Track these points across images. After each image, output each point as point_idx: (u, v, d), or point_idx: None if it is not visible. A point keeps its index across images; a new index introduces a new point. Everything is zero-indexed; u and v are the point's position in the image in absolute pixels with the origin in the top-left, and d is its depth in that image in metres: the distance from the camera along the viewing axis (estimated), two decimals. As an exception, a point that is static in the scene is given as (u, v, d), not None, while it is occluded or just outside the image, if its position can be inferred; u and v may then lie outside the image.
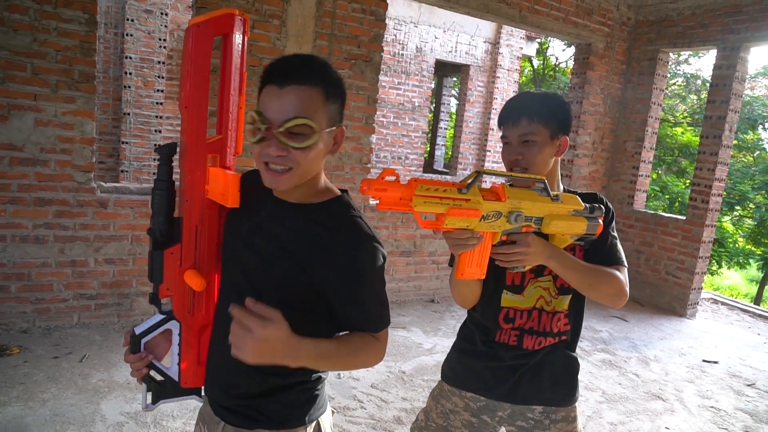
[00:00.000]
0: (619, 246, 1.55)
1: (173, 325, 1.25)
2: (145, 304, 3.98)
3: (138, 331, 1.23)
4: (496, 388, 1.56)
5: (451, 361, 1.68)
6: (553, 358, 1.56)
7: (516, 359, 1.54)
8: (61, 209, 3.60)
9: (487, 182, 7.90)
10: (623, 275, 1.48)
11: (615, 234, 1.56)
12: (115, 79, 6.88)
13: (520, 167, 1.47)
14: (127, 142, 6.85)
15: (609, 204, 1.56)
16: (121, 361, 3.31)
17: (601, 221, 1.44)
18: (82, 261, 3.72)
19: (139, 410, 2.82)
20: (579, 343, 4.38)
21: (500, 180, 5.92)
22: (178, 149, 1.20)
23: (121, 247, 3.83)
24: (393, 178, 1.11)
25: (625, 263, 1.53)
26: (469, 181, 1.22)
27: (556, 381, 1.56)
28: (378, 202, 1.11)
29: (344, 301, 1.19)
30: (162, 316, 1.24)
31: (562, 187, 1.58)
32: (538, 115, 1.44)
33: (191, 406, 2.92)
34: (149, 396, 1.27)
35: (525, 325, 1.53)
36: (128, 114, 6.80)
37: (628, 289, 1.49)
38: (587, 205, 1.42)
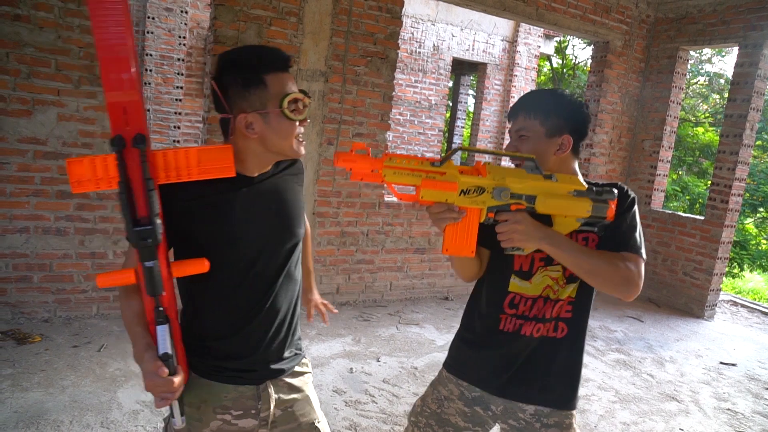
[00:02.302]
0: (638, 235, 1.45)
1: (165, 329, 1.18)
2: (163, 296, 4.05)
3: (165, 350, 1.14)
4: (490, 380, 1.55)
5: (452, 348, 1.70)
6: (552, 357, 1.51)
7: (513, 348, 1.51)
8: (81, 202, 3.68)
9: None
10: (634, 264, 1.39)
11: (636, 223, 1.47)
12: (136, 76, 7.00)
13: (516, 160, 1.46)
14: (147, 138, 6.97)
15: (631, 192, 1.49)
16: (138, 352, 3.37)
17: (612, 204, 1.37)
18: (102, 253, 3.80)
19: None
20: (593, 343, 4.39)
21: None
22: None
23: (139, 240, 3.90)
24: (363, 152, 1.21)
25: (641, 252, 1.43)
26: (446, 156, 1.25)
27: (551, 381, 1.51)
28: (350, 173, 1.21)
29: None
30: (164, 326, 1.16)
31: (584, 183, 1.50)
32: (534, 112, 1.45)
33: (205, 396, 2.97)
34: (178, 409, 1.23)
35: (530, 313, 1.50)
36: (148, 110, 6.92)
37: (640, 280, 1.39)
38: (593, 186, 1.38)
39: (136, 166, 1.08)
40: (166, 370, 1.11)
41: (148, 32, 6.81)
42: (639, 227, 1.48)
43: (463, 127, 10.58)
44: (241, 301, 1.35)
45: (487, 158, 9.16)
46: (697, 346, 4.81)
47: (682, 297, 5.77)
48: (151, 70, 6.90)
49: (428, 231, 5.09)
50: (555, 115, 1.44)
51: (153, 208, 1.10)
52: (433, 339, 4.22)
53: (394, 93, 4.83)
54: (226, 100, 1.27)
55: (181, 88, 7.11)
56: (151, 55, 6.86)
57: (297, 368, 1.49)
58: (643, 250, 1.45)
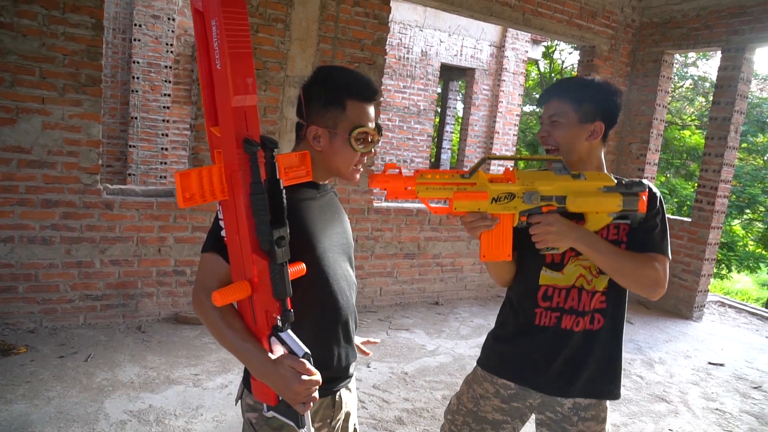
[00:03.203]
0: (665, 236, 1.49)
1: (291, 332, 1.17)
2: (150, 305, 4.02)
3: (304, 350, 1.14)
4: (530, 376, 1.55)
5: (485, 347, 1.71)
6: (590, 349, 1.51)
7: (552, 342, 1.52)
8: (67, 211, 3.65)
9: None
10: (662, 266, 1.44)
11: (666, 225, 1.50)
12: (123, 83, 6.96)
13: (548, 145, 1.51)
14: (134, 146, 6.93)
15: (657, 191, 1.52)
16: (125, 361, 3.34)
17: (642, 196, 1.39)
18: (88, 262, 3.77)
19: (142, 408, 2.85)
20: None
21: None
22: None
23: (126, 248, 3.87)
24: (395, 171, 1.30)
25: (666, 253, 1.47)
26: (475, 167, 1.31)
27: (592, 374, 1.52)
28: (386, 193, 1.29)
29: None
30: (289, 331, 1.16)
31: (607, 174, 1.53)
32: (569, 98, 1.48)
33: (193, 404, 2.94)
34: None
35: (565, 304, 1.50)
36: (135, 118, 6.88)
37: (666, 281, 1.44)
38: (622, 180, 1.39)
39: (263, 167, 1.11)
40: (314, 369, 1.13)
41: (134, 40, 6.78)
42: (668, 228, 1.52)
43: (452, 133, 10.61)
44: (324, 307, 1.37)
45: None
46: (686, 346, 4.84)
47: (670, 299, 5.81)
48: (138, 78, 6.87)
49: (417, 236, 5.09)
50: (588, 100, 1.47)
51: (284, 208, 1.13)
52: (423, 344, 4.21)
53: (382, 99, 4.84)
54: (306, 109, 1.34)
55: (169, 95, 7.07)
56: (138, 62, 6.83)
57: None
58: (669, 251, 1.49)
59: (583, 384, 1.52)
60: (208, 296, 1.15)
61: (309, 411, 1.17)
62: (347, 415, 1.52)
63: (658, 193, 1.51)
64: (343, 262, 1.44)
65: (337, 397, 1.44)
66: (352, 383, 1.55)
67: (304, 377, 1.11)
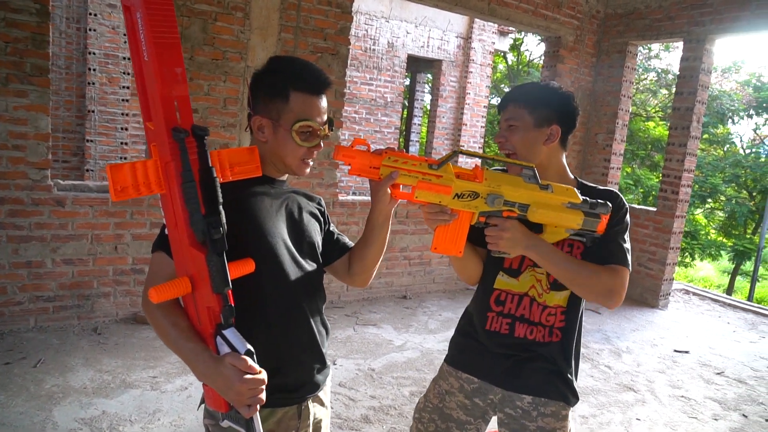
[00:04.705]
0: (627, 247, 1.49)
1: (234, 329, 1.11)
2: (107, 305, 3.85)
3: (247, 347, 1.08)
4: (490, 370, 1.57)
5: (451, 343, 1.72)
6: (547, 357, 1.53)
7: (509, 348, 1.54)
8: (14, 208, 3.45)
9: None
10: (619, 276, 1.44)
11: (626, 238, 1.51)
12: (79, 75, 6.68)
13: (505, 150, 1.51)
14: (91, 140, 6.66)
15: (624, 203, 1.52)
16: (78, 365, 3.18)
17: (604, 219, 1.38)
18: (39, 262, 3.58)
19: (94, 415, 2.70)
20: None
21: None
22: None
23: (80, 246, 3.69)
24: (364, 147, 1.25)
25: (627, 264, 1.47)
26: (444, 159, 1.28)
27: (548, 376, 1.54)
28: (349, 168, 1.24)
29: (331, 238, 1.52)
30: (231, 327, 1.10)
31: (572, 177, 1.56)
32: (524, 103, 1.48)
33: (150, 409, 2.81)
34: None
35: (516, 311, 1.53)
36: (93, 111, 6.62)
37: (623, 290, 1.45)
38: (588, 200, 1.38)
39: (195, 156, 1.06)
40: (258, 367, 1.07)
41: (90, 30, 6.50)
42: (628, 240, 1.52)
43: (420, 125, 10.56)
44: (278, 307, 1.30)
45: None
46: (653, 335, 4.89)
47: (637, 288, 5.88)
48: (95, 70, 6.60)
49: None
50: (543, 105, 1.48)
51: (218, 197, 1.06)
52: (390, 339, 4.14)
53: (348, 90, 4.74)
54: (253, 99, 1.31)
55: (128, 87, 6.82)
56: (94, 53, 6.56)
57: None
58: (629, 262, 1.49)
59: (540, 384, 1.53)
60: None
61: (258, 416, 1.10)
62: (317, 429, 1.44)
63: (626, 205, 1.52)
64: (302, 261, 1.36)
65: (303, 407, 1.36)
66: (326, 397, 1.48)
67: (248, 376, 1.05)
